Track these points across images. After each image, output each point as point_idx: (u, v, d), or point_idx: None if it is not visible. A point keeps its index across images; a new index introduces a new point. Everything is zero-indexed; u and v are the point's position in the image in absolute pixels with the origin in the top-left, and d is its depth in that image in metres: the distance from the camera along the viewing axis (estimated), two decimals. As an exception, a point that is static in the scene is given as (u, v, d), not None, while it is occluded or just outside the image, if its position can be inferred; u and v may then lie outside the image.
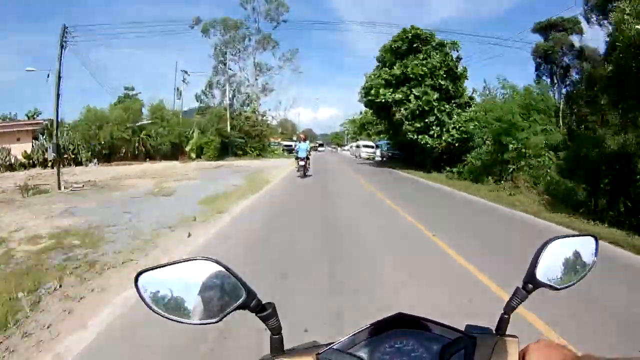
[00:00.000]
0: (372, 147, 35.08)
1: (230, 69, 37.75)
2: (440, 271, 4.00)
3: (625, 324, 2.85)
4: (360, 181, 13.89)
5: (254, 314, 0.63)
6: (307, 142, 15.07)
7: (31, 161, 20.03)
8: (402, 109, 18.44)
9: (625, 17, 7.84)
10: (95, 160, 23.15)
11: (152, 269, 0.62)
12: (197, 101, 38.62)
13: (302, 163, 13.95)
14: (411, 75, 18.22)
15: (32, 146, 20.71)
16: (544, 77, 25.52)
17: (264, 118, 37.80)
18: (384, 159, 29.13)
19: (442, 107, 17.95)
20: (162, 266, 0.62)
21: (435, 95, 17.84)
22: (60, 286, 3.42)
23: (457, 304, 3.08)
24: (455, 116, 17.81)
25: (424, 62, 18.31)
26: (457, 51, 19.31)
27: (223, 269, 0.61)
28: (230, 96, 37.26)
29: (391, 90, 18.78)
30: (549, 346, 0.55)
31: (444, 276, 3.82)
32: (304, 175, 13.96)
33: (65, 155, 20.53)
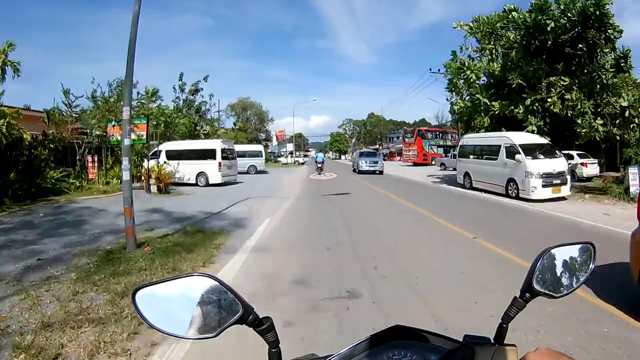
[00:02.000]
0: None
1: None
2: None
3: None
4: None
5: (252, 328, 0.63)
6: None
7: None
8: None
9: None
10: None
11: (150, 285, 0.63)
12: None
13: (319, 166, 23.30)
14: None
15: None
16: None
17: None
18: None
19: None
20: (159, 282, 0.62)
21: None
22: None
23: None
24: None
25: None
26: None
27: (219, 285, 0.61)
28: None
29: None
30: (548, 355, 0.53)
31: None
32: (320, 174, 22.27)
33: None
